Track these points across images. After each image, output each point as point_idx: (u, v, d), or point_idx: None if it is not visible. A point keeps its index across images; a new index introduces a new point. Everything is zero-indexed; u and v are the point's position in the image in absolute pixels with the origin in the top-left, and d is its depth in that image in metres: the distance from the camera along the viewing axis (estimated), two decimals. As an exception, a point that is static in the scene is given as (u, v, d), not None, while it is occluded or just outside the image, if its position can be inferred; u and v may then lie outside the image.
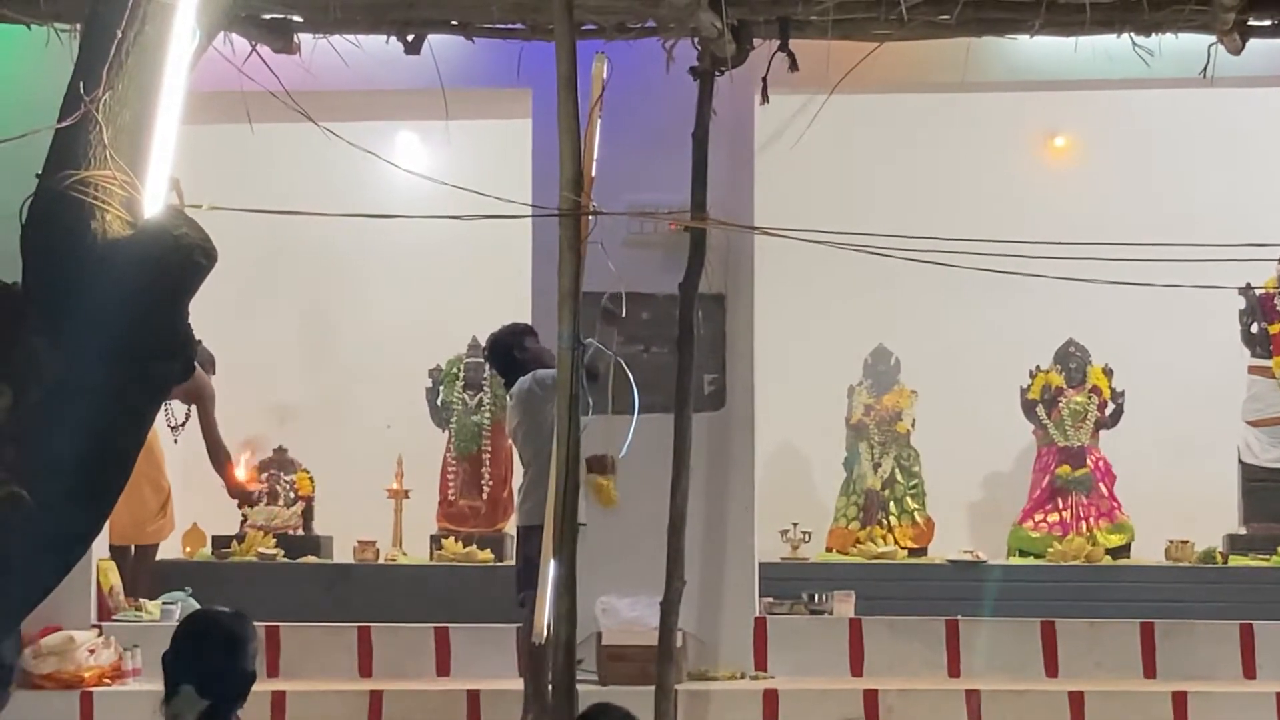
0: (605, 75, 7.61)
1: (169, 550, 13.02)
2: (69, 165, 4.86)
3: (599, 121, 7.55)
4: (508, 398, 10.65)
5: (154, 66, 5.03)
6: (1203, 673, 11.37)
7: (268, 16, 9.97)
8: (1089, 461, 13.07)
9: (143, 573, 12.57)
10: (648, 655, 10.65)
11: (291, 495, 13.35)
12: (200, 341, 10.74)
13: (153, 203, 4.96)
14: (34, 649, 11.00)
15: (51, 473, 4.72)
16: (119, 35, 4.94)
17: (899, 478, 13.13)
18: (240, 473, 12.44)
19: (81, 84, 4.91)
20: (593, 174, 7.39)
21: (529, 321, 10.93)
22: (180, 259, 4.87)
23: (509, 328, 10.51)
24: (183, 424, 12.54)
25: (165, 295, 4.88)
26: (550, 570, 7.00)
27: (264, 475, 13.30)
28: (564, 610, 6.90)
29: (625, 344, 10.83)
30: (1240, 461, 12.94)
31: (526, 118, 11.70)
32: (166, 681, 5.56)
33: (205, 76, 5.70)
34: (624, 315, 10.06)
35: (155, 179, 5.01)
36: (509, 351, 10.43)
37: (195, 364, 5.16)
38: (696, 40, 10.13)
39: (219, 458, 11.77)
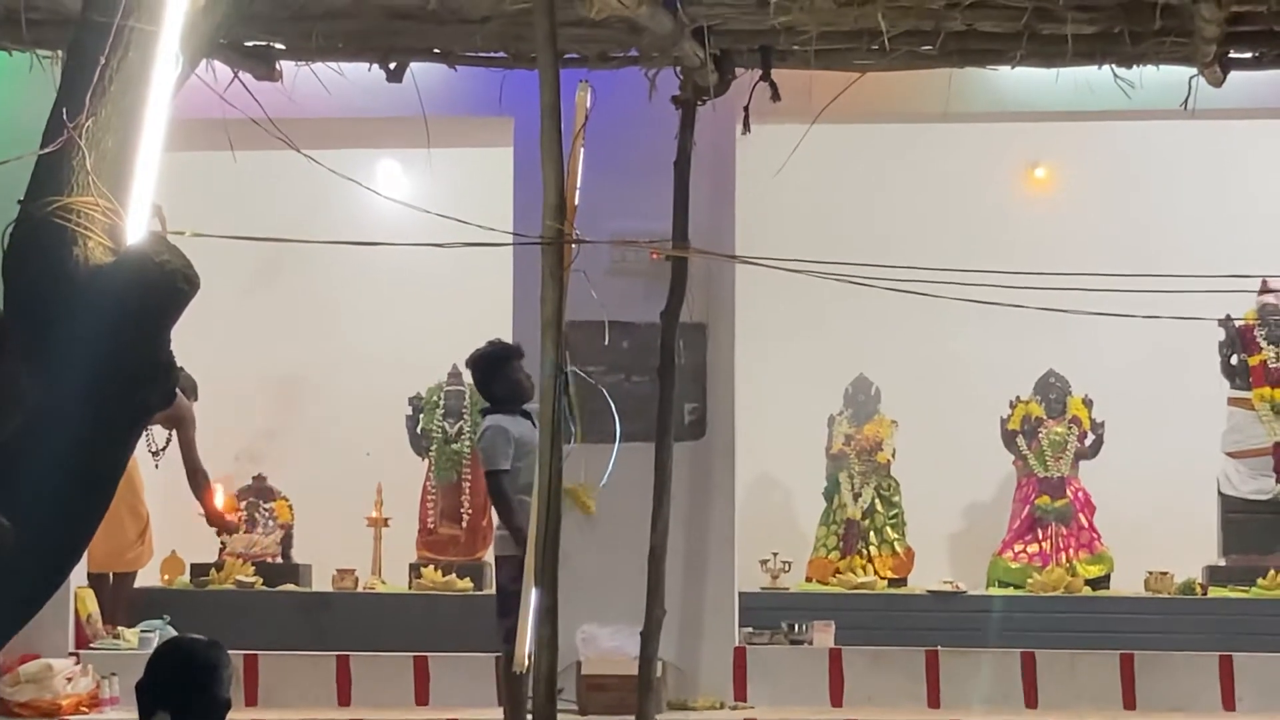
0: (589, 104, 7.61)
1: (147, 578, 12.98)
2: (51, 191, 4.85)
3: (582, 150, 7.55)
4: (481, 416, 10.61)
5: (137, 93, 5.02)
6: (1183, 704, 11.38)
7: (250, 43, 9.95)
8: (1069, 492, 13.08)
9: (121, 600, 12.53)
10: (627, 685, 10.64)
11: (270, 523, 13.32)
12: (181, 368, 10.72)
13: (135, 229, 4.95)
14: (11, 677, 10.96)
15: (32, 499, 4.70)
16: (102, 62, 4.94)
17: (879, 507, 13.13)
18: (219, 500, 12.42)
19: (65, 110, 4.91)
20: (575, 202, 7.39)
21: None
22: (162, 285, 4.86)
23: (495, 350, 10.36)
24: (163, 449, 12.51)
25: (147, 322, 4.86)
26: (531, 598, 6.98)
27: (243, 504, 13.25)
28: (545, 639, 6.89)
29: (606, 373, 10.82)
30: (1219, 493, 12.96)
31: (508, 146, 11.71)
32: (141, 709, 5.55)
33: (187, 103, 5.69)
34: (606, 343, 10.08)
35: (138, 206, 5.00)
36: (489, 380, 10.34)
37: (176, 390, 5.15)
38: (678, 69, 10.15)
39: (198, 483, 11.74)
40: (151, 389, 4.90)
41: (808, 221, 13.33)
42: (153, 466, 12.55)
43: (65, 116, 4.90)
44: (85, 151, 4.87)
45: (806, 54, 9.59)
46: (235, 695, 5.77)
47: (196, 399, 12.17)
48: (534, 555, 6.98)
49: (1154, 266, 9.22)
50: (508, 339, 10.95)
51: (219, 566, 12.98)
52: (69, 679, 11.12)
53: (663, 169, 10.75)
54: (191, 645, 5.71)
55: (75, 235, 4.81)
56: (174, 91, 5.20)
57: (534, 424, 9.43)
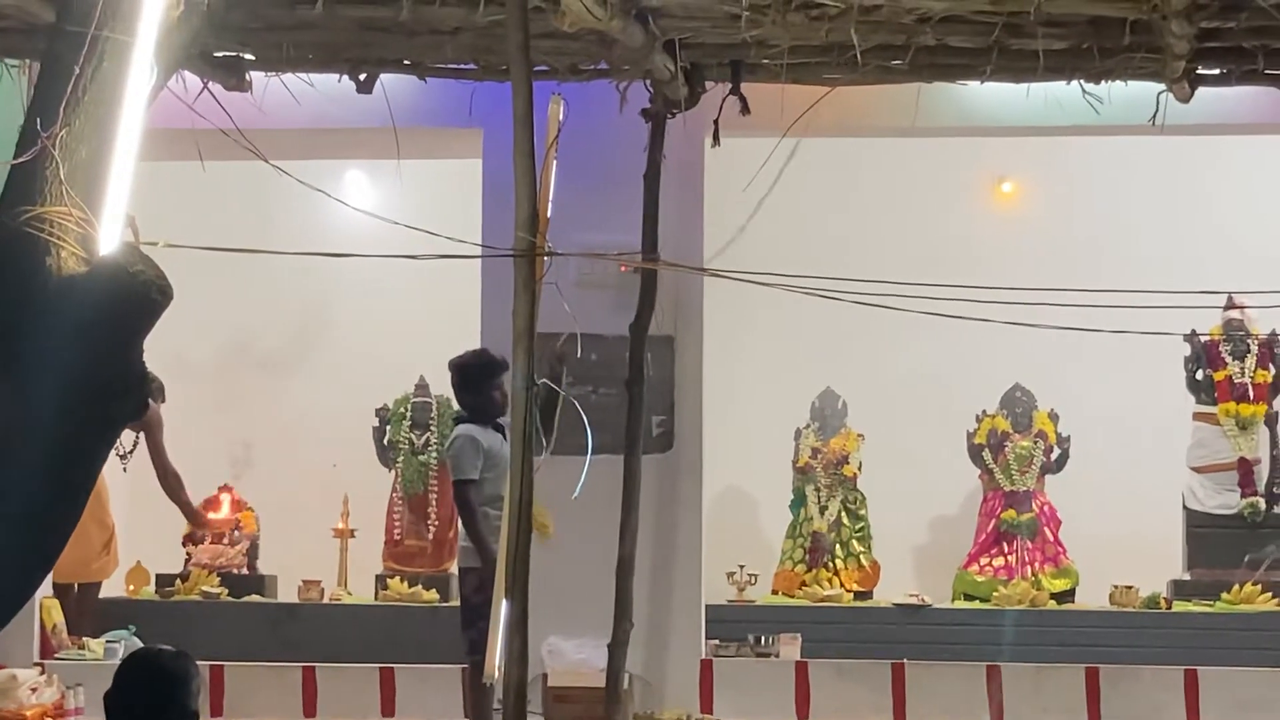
0: (561, 116, 7.61)
1: (112, 588, 12.94)
2: (25, 201, 4.84)
3: (554, 162, 7.55)
4: (454, 425, 10.59)
5: (111, 104, 5.01)
6: (1148, 718, 11.42)
7: (220, 54, 9.93)
8: (1034, 506, 13.11)
9: (86, 611, 12.48)
10: (593, 697, 10.64)
11: (236, 534, 13.28)
12: (151, 371, 10.63)
13: (108, 240, 4.94)
14: (-24, 687, 10.92)
15: (3, 510, 4.68)
16: (76, 72, 4.93)
17: (845, 520, 13.13)
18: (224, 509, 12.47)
19: (38, 120, 4.89)
20: (548, 215, 7.38)
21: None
22: (135, 296, 4.84)
23: (482, 361, 10.31)
24: (130, 451, 12.46)
25: (120, 332, 4.85)
26: (502, 610, 6.97)
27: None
28: (516, 652, 6.88)
29: (574, 385, 10.82)
30: (1185, 507, 13.00)
31: (477, 157, 11.71)
32: (108, 720, 5.55)
33: (155, 113, 5.68)
34: (578, 356, 10.07)
35: (111, 216, 4.99)
36: (470, 389, 10.28)
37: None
38: (649, 82, 10.15)
39: (170, 485, 11.73)
40: (124, 399, 4.89)
41: (776, 235, 13.35)
42: (120, 470, 12.49)
43: (39, 126, 4.89)
44: (59, 161, 4.86)
45: (777, 68, 9.60)
46: (200, 706, 5.75)
47: (164, 400, 12.14)
48: (505, 567, 6.97)
49: (1121, 282, 9.26)
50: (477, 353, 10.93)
51: (184, 577, 12.94)
52: (34, 689, 11.05)
53: (632, 181, 10.76)
54: (160, 657, 5.71)
55: (48, 245, 4.80)
56: (148, 102, 5.19)
57: (505, 437, 9.45)
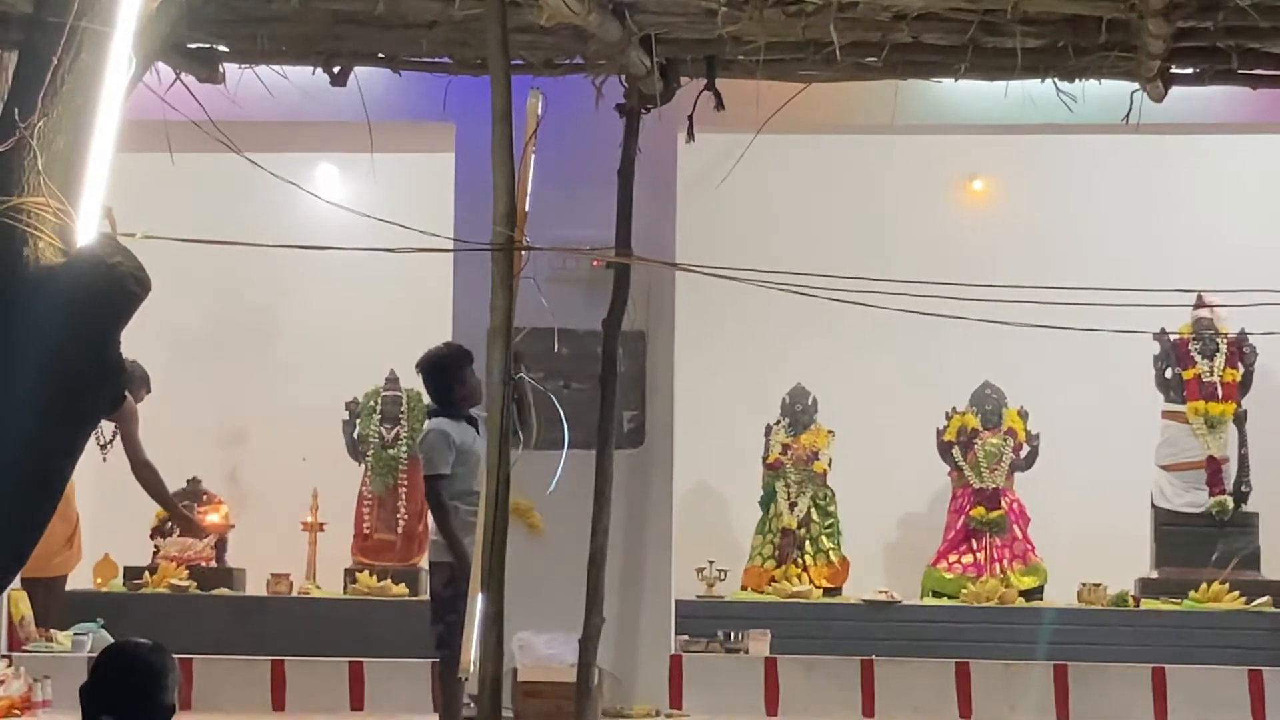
0: (540, 111, 7.59)
1: (81, 580, 12.90)
2: (2, 192, 4.83)
3: (533, 157, 7.52)
4: (425, 419, 10.55)
5: (89, 94, 5.00)
6: (1115, 715, 11.47)
7: (193, 46, 9.89)
8: (1003, 503, 13.13)
9: (53, 604, 12.43)
10: (563, 692, 10.63)
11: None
12: (135, 360, 10.56)
13: (86, 230, 4.93)
14: (-57, 679, 10.89)
15: (-21, 502, 4.68)
16: (55, 62, 4.92)
17: (815, 517, 13.14)
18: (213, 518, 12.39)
19: (16, 110, 4.88)
20: (525, 209, 7.36)
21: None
22: (113, 287, 4.84)
23: (451, 352, 10.20)
24: (110, 441, 12.37)
25: (97, 323, 4.85)
26: (477, 604, 6.96)
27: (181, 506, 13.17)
28: (490, 646, 6.87)
29: (546, 379, 10.80)
30: (1153, 505, 13.03)
31: (450, 151, 11.68)
32: (85, 713, 5.52)
33: (128, 104, 5.66)
34: (555, 351, 10.07)
35: (89, 207, 4.98)
36: (448, 383, 10.19)
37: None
38: (624, 77, 10.14)
39: (144, 477, 11.59)
40: (100, 391, 4.88)
41: (748, 230, 13.36)
42: (100, 459, 12.38)
43: (17, 116, 4.87)
44: (36, 152, 4.85)
45: (753, 64, 9.59)
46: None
47: (149, 391, 12.04)
48: (480, 561, 6.96)
49: (1090, 280, 9.26)
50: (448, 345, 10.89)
51: (153, 570, 12.91)
52: (1, 681, 11.04)
53: (606, 176, 10.74)
54: (137, 650, 5.69)
55: (26, 235, 4.79)
56: (126, 93, 5.18)
57: (479, 430, 9.43)
